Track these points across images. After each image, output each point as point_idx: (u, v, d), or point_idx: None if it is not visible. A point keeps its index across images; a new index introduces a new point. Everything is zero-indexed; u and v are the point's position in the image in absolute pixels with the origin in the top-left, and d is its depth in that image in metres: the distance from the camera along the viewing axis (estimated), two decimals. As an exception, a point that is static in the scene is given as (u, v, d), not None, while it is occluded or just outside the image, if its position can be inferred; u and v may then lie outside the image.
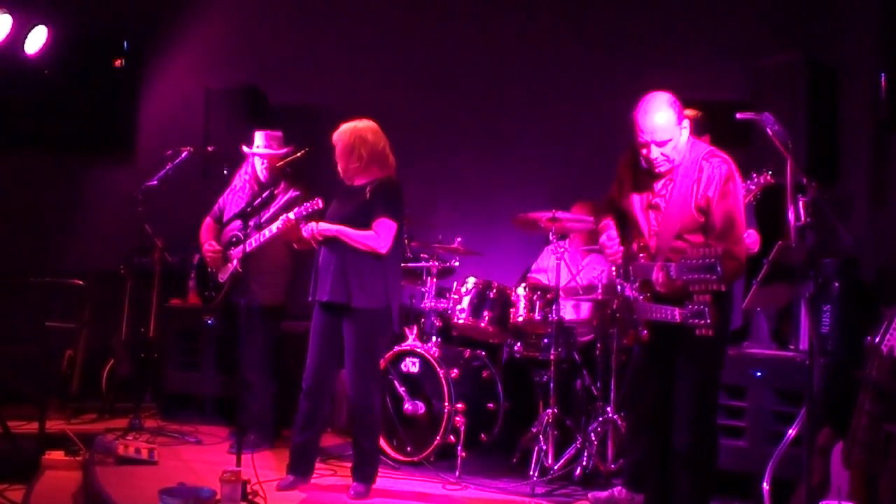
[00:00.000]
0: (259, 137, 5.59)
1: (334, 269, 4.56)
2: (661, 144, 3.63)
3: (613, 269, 3.97)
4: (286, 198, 5.37)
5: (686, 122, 3.68)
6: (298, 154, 4.57)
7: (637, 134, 3.66)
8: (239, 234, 5.35)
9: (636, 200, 3.79)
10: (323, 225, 4.58)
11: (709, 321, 3.30)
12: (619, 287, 3.88)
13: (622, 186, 3.88)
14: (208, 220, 5.76)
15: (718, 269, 3.25)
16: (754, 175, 4.21)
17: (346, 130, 4.66)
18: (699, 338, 3.58)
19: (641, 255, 3.72)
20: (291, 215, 4.79)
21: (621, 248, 3.83)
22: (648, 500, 3.96)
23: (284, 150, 5.48)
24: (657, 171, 3.70)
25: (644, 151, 3.67)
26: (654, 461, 3.87)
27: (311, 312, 4.73)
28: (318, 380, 4.64)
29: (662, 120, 3.61)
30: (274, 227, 5.06)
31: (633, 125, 3.67)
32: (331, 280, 4.56)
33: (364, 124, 4.70)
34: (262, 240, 5.20)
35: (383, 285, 4.59)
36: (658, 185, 3.74)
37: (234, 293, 5.47)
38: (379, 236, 4.56)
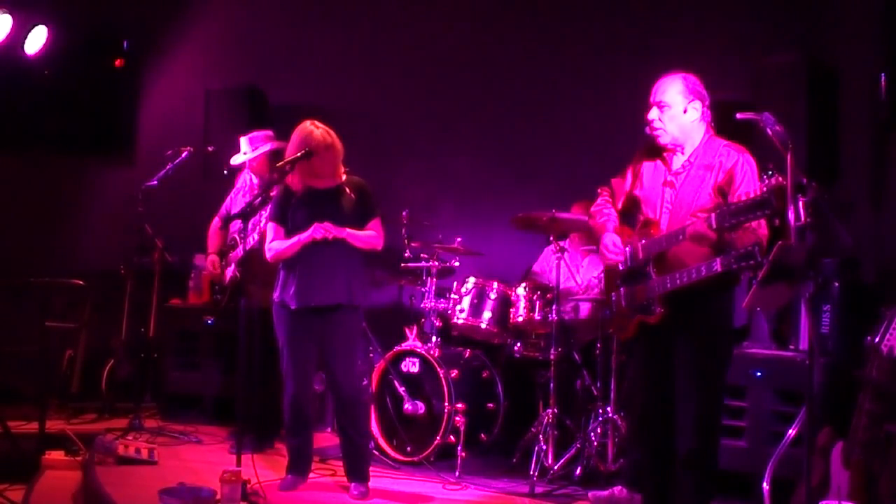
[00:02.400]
0: (244, 143, 5.61)
1: (334, 270, 4.55)
2: (660, 107, 3.72)
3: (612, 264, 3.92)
4: None
5: (698, 105, 3.72)
6: (299, 155, 4.57)
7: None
8: (236, 237, 5.37)
9: (651, 178, 3.82)
10: (333, 227, 4.53)
11: (760, 260, 3.26)
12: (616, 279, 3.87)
13: (635, 175, 3.88)
14: (216, 222, 5.78)
15: (773, 202, 3.25)
16: (765, 177, 4.18)
17: (325, 133, 4.56)
18: (706, 331, 3.59)
19: (652, 230, 3.72)
20: None
21: (623, 255, 3.81)
22: (647, 501, 3.95)
23: (270, 147, 5.50)
24: (656, 138, 3.75)
25: (647, 113, 3.76)
26: (651, 462, 3.86)
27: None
28: (303, 383, 4.65)
29: (669, 84, 3.74)
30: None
31: None
32: (328, 282, 4.54)
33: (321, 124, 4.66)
34: (254, 241, 5.20)
35: (364, 282, 4.77)
36: (675, 165, 3.77)
37: (239, 295, 5.47)
38: (379, 236, 4.68)
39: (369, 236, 4.64)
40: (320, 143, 4.54)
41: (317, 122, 4.63)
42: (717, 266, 3.41)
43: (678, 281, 3.56)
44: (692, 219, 3.59)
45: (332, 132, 4.61)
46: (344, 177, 4.68)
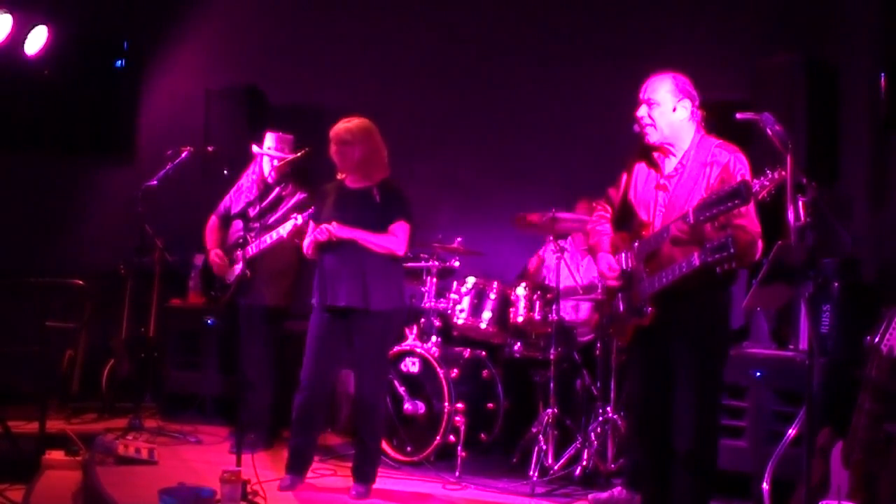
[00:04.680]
0: (270, 139, 5.59)
1: (350, 273, 4.54)
2: (649, 104, 3.71)
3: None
4: (294, 200, 5.37)
5: (687, 104, 3.71)
6: (298, 154, 4.57)
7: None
8: (247, 235, 5.32)
9: (644, 183, 3.81)
10: (339, 227, 4.54)
11: (733, 251, 3.26)
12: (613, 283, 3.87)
13: (628, 179, 3.88)
14: (213, 220, 5.77)
15: (743, 191, 3.24)
16: (768, 171, 4.17)
17: (362, 129, 4.62)
18: (700, 331, 3.59)
19: (644, 232, 3.72)
20: (299, 220, 4.80)
21: (621, 280, 3.83)
22: (646, 501, 3.94)
23: (293, 155, 5.49)
24: (645, 135, 3.74)
25: (636, 111, 3.75)
26: (650, 462, 3.86)
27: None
28: (317, 383, 4.64)
29: (658, 82, 3.73)
30: (283, 229, 5.06)
31: None
32: (346, 284, 4.53)
33: (370, 123, 4.69)
34: (269, 242, 5.20)
35: (398, 286, 4.66)
36: (668, 168, 3.76)
37: (239, 294, 5.46)
38: (399, 239, 4.61)
39: (385, 239, 4.57)
40: (335, 136, 4.59)
41: (354, 118, 4.66)
42: (696, 260, 3.42)
43: (664, 279, 3.57)
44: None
45: (365, 130, 4.62)
46: (380, 179, 4.65)
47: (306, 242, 4.71)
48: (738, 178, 3.55)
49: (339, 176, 4.72)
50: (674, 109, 3.70)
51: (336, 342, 4.63)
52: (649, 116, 3.72)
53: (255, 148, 5.62)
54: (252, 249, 5.25)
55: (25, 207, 7.50)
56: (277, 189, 5.36)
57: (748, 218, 3.53)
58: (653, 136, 3.74)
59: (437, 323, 5.68)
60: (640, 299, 3.69)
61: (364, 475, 4.63)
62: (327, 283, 4.59)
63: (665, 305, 3.62)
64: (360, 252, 4.54)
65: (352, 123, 4.64)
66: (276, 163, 5.48)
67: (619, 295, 3.84)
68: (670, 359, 3.68)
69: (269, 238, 5.20)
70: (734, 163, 3.61)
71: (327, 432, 6.07)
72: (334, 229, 4.52)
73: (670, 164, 3.76)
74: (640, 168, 3.85)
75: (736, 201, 3.29)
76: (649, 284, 3.64)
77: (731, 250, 3.27)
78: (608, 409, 5.09)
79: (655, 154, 3.80)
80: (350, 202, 4.63)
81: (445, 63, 6.91)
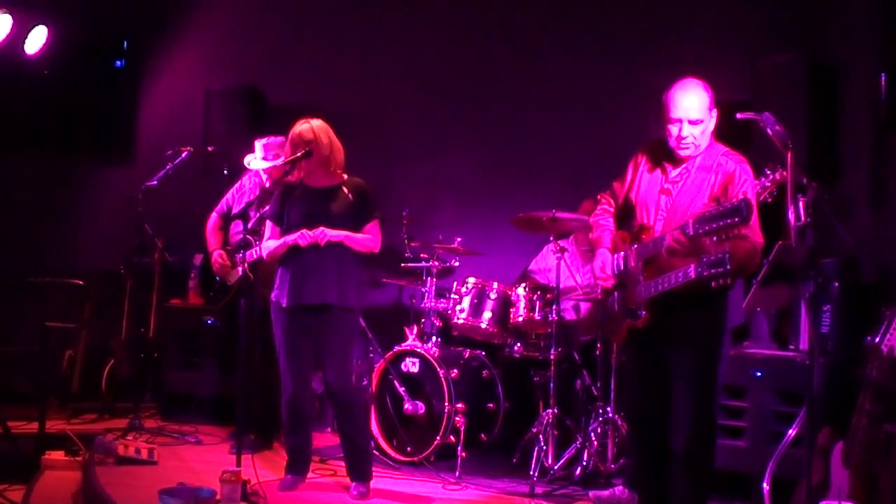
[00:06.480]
0: (259, 149, 5.58)
1: (327, 270, 4.54)
2: (693, 123, 3.62)
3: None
4: None
5: (714, 113, 3.68)
6: (298, 156, 4.57)
7: (669, 110, 3.65)
8: (250, 238, 5.30)
9: (648, 184, 3.79)
10: (323, 231, 4.53)
11: (729, 268, 3.24)
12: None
13: (633, 177, 3.86)
14: (215, 218, 5.76)
15: (743, 210, 3.21)
16: (768, 171, 4.12)
17: (321, 130, 4.59)
18: (696, 332, 3.58)
19: (644, 236, 3.72)
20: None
21: (614, 281, 3.81)
22: (643, 500, 3.94)
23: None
24: (681, 152, 3.67)
25: (675, 129, 3.64)
26: (647, 462, 3.86)
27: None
28: (299, 381, 4.64)
29: (698, 99, 3.63)
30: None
31: (666, 103, 3.66)
32: (320, 281, 4.54)
33: (324, 122, 4.68)
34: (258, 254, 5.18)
35: (360, 284, 4.73)
36: (673, 173, 3.73)
37: (239, 295, 5.45)
38: (376, 238, 4.67)
39: (365, 239, 4.63)
40: (302, 139, 4.55)
41: (310, 118, 4.64)
42: (692, 272, 3.41)
43: (660, 286, 3.56)
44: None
45: (324, 129, 4.60)
46: (345, 177, 4.68)
47: (274, 245, 4.65)
48: (741, 191, 3.52)
49: (292, 178, 4.67)
50: (710, 121, 3.67)
51: (306, 340, 4.62)
52: (692, 136, 3.63)
53: (246, 163, 5.62)
54: (255, 252, 5.23)
55: (25, 207, 7.51)
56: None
57: (751, 229, 3.50)
58: (689, 150, 3.68)
59: (437, 323, 5.68)
60: (635, 302, 3.69)
61: (361, 474, 4.62)
62: (302, 281, 4.56)
63: (660, 310, 3.62)
64: (337, 250, 4.56)
65: (310, 123, 4.61)
66: (270, 175, 5.47)
67: (616, 294, 3.84)
68: (666, 360, 3.68)
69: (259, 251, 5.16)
70: (740, 173, 3.58)
71: (326, 432, 6.07)
72: (320, 235, 4.51)
73: (675, 168, 3.74)
74: (646, 166, 3.83)
75: (736, 219, 3.25)
76: (645, 289, 3.63)
77: (728, 267, 3.26)
78: (608, 409, 5.09)
79: (663, 157, 3.77)
80: (321, 202, 4.62)
81: (445, 63, 6.90)
